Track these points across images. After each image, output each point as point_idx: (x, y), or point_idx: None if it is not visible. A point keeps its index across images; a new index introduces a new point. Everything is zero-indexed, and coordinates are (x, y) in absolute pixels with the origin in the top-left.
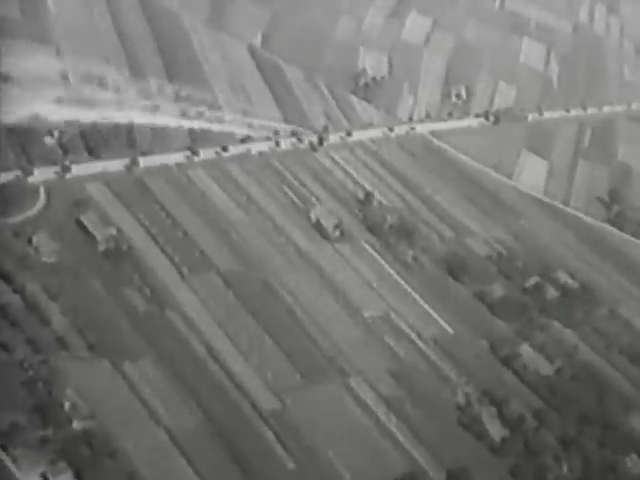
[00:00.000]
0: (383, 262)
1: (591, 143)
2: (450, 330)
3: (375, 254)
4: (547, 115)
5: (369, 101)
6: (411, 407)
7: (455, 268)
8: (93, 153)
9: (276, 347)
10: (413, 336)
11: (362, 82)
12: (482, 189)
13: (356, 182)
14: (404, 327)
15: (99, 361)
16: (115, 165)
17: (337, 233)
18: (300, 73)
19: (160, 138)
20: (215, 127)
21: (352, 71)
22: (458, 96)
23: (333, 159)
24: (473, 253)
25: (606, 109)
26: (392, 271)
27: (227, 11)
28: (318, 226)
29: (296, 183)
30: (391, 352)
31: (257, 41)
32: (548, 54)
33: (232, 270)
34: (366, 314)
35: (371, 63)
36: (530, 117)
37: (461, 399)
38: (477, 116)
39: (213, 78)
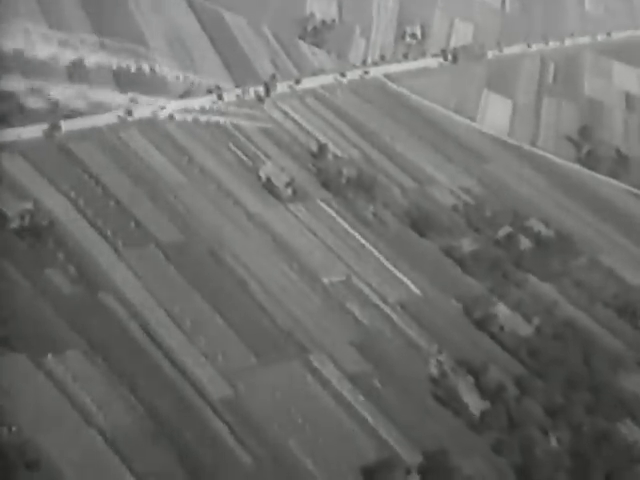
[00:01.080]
0: (341, 221)
1: (556, 78)
2: (418, 292)
3: (332, 212)
4: (507, 51)
5: (319, 46)
6: (380, 383)
7: (419, 222)
8: (3, 120)
9: (226, 325)
10: (378, 301)
11: (311, 27)
12: (444, 134)
13: (308, 134)
14: (367, 292)
15: (14, 356)
16: (31, 131)
17: (290, 192)
18: (244, 21)
19: (86, 98)
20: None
21: (299, 16)
22: (413, 36)
23: (282, 110)
24: (438, 204)
25: (568, 42)
26: (352, 230)
27: None
28: (269, 185)
29: (242, 139)
30: (354, 321)
31: None
32: None
33: (173, 241)
34: (325, 280)
35: (319, 7)
36: (490, 54)
37: (434, 370)
38: (434, 56)
39: (147, 31)
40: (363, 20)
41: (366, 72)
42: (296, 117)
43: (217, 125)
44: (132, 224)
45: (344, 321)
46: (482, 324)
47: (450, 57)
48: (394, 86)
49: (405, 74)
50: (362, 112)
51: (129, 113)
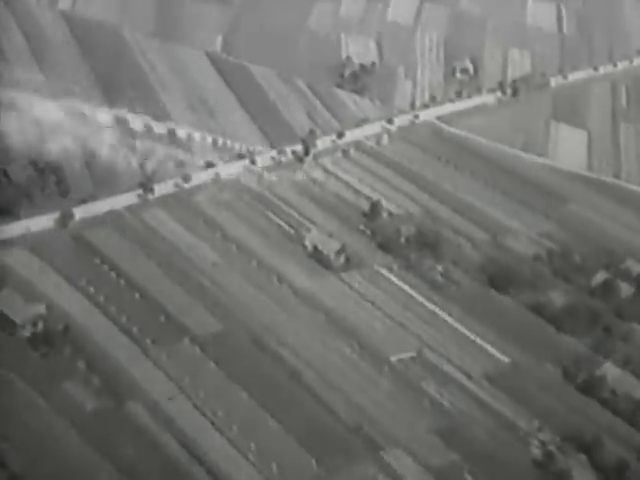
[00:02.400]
0: (406, 286)
1: (629, 102)
2: (506, 360)
3: (394, 278)
4: (572, 77)
5: (360, 93)
6: (472, 476)
7: (498, 278)
8: (9, 212)
9: (279, 427)
10: (459, 377)
11: (348, 73)
12: (513, 175)
13: (357, 192)
14: (445, 367)
15: None
16: (41, 223)
17: (342, 260)
18: (273, 74)
19: (102, 178)
20: (171, 153)
21: (335, 62)
22: (464, 71)
23: (325, 168)
24: (517, 255)
25: (638, 61)
26: (419, 296)
27: (176, 19)
28: (317, 255)
29: (282, 206)
30: (433, 404)
31: (216, 46)
32: (559, 11)
33: (211, 332)
34: (393, 359)
35: (356, 50)
36: (553, 82)
37: (537, 452)
38: (491, 91)
39: (165, 94)
40: (406, 60)
41: (416, 116)
42: (341, 174)
43: (252, 193)
44: (162, 317)
45: (420, 406)
46: (588, 389)
47: (509, 90)
48: (449, 129)
49: (460, 114)
50: (416, 161)
51: (150, 190)
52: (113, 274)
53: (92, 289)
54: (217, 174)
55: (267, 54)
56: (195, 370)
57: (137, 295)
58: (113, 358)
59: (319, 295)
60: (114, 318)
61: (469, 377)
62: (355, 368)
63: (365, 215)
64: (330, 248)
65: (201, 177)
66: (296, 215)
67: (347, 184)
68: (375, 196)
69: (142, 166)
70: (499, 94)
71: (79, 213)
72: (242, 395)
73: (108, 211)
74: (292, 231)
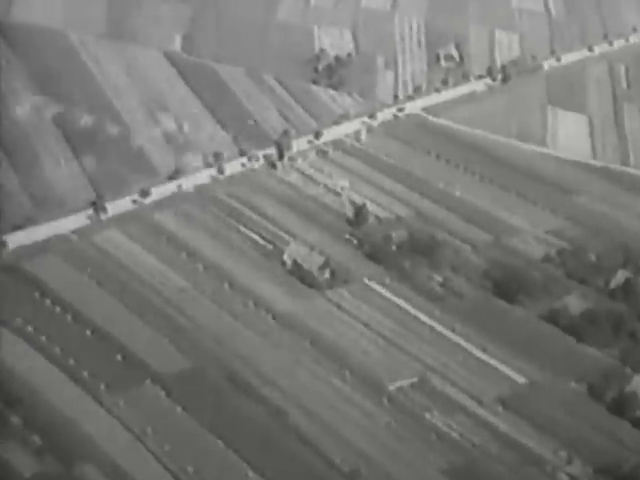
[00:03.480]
0: (401, 301)
1: (630, 82)
2: (522, 380)
3: (387, 292)
4: (566, 59)
5: (337, 88)
6: None
7: (505, 285)
8: None
9: None
10: (469, 403)
11: (323, 66)
12: (511, 167)
13: (339, 196)
14: (452, 392)
15: None
16: None
17: (326, 275)
18: (240, 72)
19: (42, 197)
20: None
21: (308, 55)
22: (449, 58)
23: (302, 172)
24: (524, 258)
25: (634, 38)
26: (417, 311)
27: (129, 18)
28: (297, 271)
29: (256, 217)
30: (442, 439)
31: (176, 45)
32: None
33: (177, 371)
34: (392, 387)
35: (330, 41)
36: (546, 65)
37: None
38: (480, 77)
39: (118, 100)
40: (385, 49)
41: (400, 109)
42: (320, 178)
43: (221, 205)
44: (118, 357)
45: (427, 441)
46: (619, 408)
47: (499, 76)
48: (437, 120)
49: (448, 104)
50: (403, 158)
51: (102, 210)
52: (57, 309)
53: (30, 328)
54: (180, 186)
55: (232, 51)
56: (159, 417)
57: (88, 332)
58: (58, 411)
59: (303, 318)
60: (59, 362)
61: (480, 403)
62: (348, 401)
63: (350, 222)
64: (312, 263)
65: (162, 191)
66: (272, 227)
67: (327, 188)
68: (360, 200)
69: (92, 182)
70: (488, 80)
71: (14, 241)
72: (217, 444)
73: (51, 236)
74: (268, 246)
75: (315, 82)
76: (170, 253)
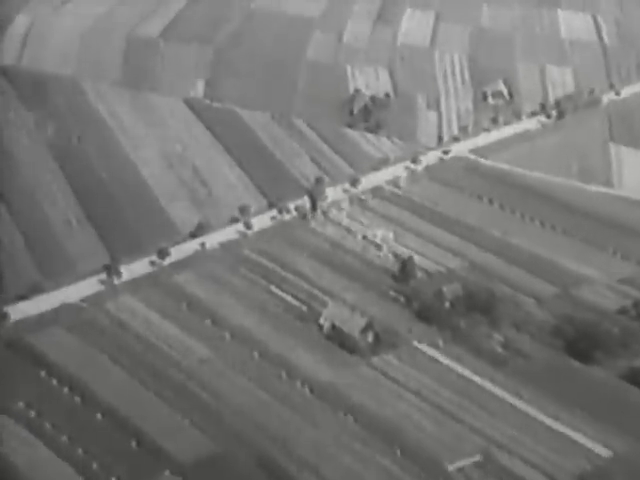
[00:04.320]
0: (457, 365)
1: None
2: (606, 453)
3: (441, 356)
4: (626, 92)
5: (375, 131)
6: None
7: (578, 343)
8: None
9: None
10: None
11: (358, 108)
12: (574, 211)
13: (381, 248)
14: (523, 471)
15: None
16: None
17: (370, 339)
18: (266, 117)
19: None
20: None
21: (341, 96)
22: (497, 95)
23: (338, 224)
24: (597, 311)
25: None
26: (477, 377)
27: (147, 64)
28: (337, 336)
29: (289, 276)
30: None
31: (197, 91)
32: (595, 20)
33: (200, 457)
34: (452, 467)
35: (366, 81)
36: (605, 99)
37: None
38: (532, 114)
39: (136, 152)
40: (426, 88)
41: (445, 152)
42: (359, 229)
43: (249, 264)
44: (133, 444)
45: None
46: None
47: (554, 112)
48: (487, 162)
49: (499, 145)
50: (451, 204)
51: (117, 274)
52: (65, 389)
53: (33, 413)
54: (203, 244)
55: (258, 95)
56: None
57: (98, 415)
58: None
59: (344, 390)
60: (65, 452)
61: None
62: None
63: (395, 277)
64: (353, 325)
65: (183, 250)
66: (306, 286)
67: (368, 240)
68: (406, 252)
69: (105, 242)
70: (542, 118)
71: (16, 312)
72: None
73: (58, 307)
74: (303, 307)
75: (350, 125)
76: (192, 320)
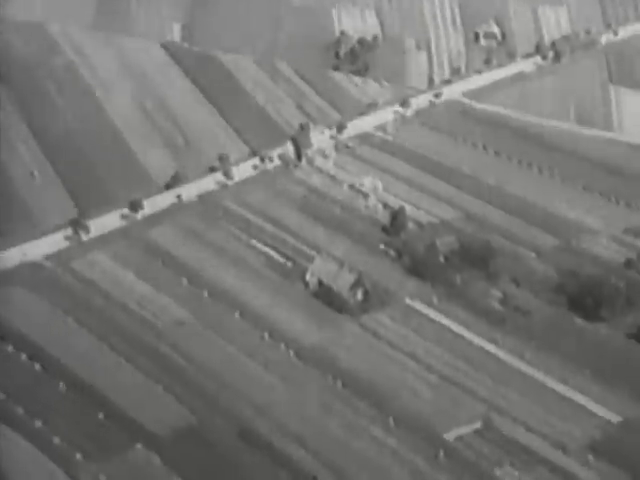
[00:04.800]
0: (454, 324)
1: None
2: (615, 418)
3: (436, 314)
4: (624, 32)
5: (362, 74)
6: None
7: (582, 299)
8: None
9: None
10: (550, 452)
11: (345, 51)
12: (574, 157)
13: (370, 198)
14: (527, 439)
15: None
16: None
17: (359, 296)
18: (248, 61)
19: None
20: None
21: (327, 39)
22: (489, 36)
23: (325, 172)
24: (601, 263)
25: None
26: (475, 336)
27: (121, 7)
28: (324, 293)
29: (272, 229)
30: None
31: (175, 34)
32: None
33: (175, 429)
34: (449, 436)
35: (352, 23)
36: (603, 40)
37: None
38: (527, 56)
39: (108, 97)
40: (415, 28)
41: (437, 95)
42: (347, 178)
43: (230, 217)
44: (99, 415)
45: None
46: None
47: (550, 53)
48: (481, 106)
49: (493, 87)
50: (444, 151)
51: (84, 229)
52: (23, 356)
53: None
54: (179, 196)
55: (240, 39)
56: None
57: (61, 385)
58: None
59: (332, 352)
60: (22, 426)
61: (565, 451)
62: (395, 458)
63: (385, 230)
64: (342, 282)
65: (157, 203)
66: (291, 240)
67: (356, 190)
68: (397, 202)
69: (72, 194)
70: (538, 59)
71: None
72: None
73: (18, 264)
74: (288, 263)
75: (336, 69)
76: (167, 278)
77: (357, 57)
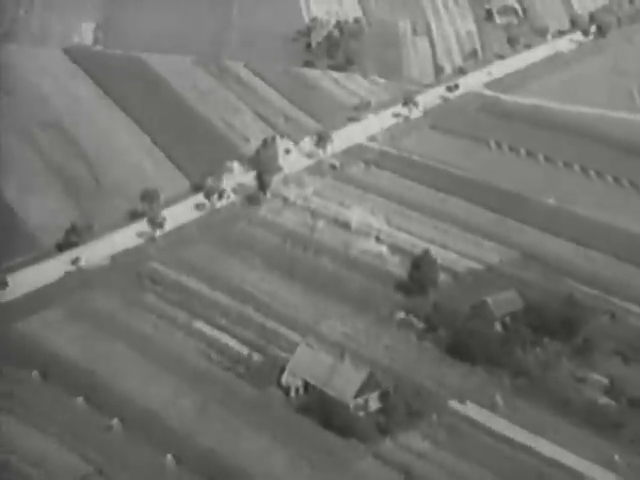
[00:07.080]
0: (531, 437)
1: None
2: None
3: (503, 425)
4: None
5: (344, 68)
6: None
7: None
8: None
9: None
10: None
11: (317, 40)
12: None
13: (371, 240)
14: None
15: None
16: None
17: (373, 405)
18: (186, 62)
19: None
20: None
21: (293, 29)
22: (505, 11)
23: (302, 206)
24: None
25: None
26: (569, 454)
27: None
28: (315, 406)
29: (225, 300)
30: None
31: (84, 36)
32: None
33: None
34: None
35: (327, 6)
36: None
37: None
38: (561, 33)
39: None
40: (409, 9)
41: (451, 88)
42: (334, 212)
43: (158, 286)
44: None
45: None
46: None
47: (592, 29)
48: (512, 99)
49: (523, 74)
50: (466, 161)
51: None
52: None
53: None
54: (75, 261)
55: (174, 36)
56: None
57: None
58: None
59: None
60: None
61: None
62: None
63: (403, 288)
64: (343, 383)
65: (39, 274)
66: (258, 317)
67: (350, 228)
68: (412, 242)
69: None
70: (577, 35)
71: None
72: None
73: None
74: (254, 356)
75: (309, 64)
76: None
77: (336, 47)
